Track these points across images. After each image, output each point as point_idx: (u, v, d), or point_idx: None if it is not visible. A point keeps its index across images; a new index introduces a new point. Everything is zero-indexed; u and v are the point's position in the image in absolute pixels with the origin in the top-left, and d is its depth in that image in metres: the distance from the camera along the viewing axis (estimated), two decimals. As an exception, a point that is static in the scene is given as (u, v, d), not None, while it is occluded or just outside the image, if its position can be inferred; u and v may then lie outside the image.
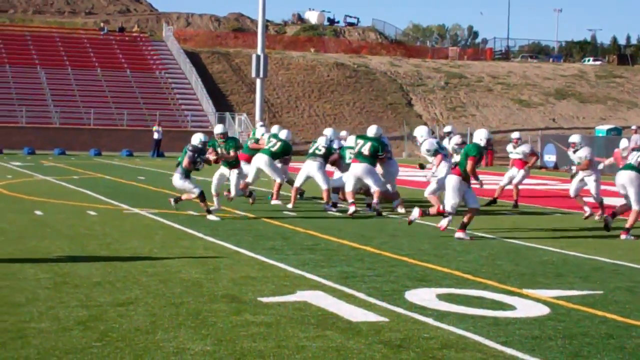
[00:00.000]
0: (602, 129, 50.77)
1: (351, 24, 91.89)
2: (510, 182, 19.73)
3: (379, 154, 16.79)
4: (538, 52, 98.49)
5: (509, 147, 20.20)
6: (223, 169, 16.73)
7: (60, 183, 23.57)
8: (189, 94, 58.32)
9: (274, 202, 18.59)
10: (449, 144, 21.64)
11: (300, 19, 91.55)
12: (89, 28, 72.95)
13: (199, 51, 65.94)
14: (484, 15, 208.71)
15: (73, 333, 7.01)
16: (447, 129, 22.06)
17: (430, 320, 7.76)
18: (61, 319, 7.48)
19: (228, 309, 8.02)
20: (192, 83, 59.22)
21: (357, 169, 16.66)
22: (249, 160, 18.73)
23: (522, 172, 19.60)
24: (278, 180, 18.56)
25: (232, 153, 16.45)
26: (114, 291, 8.70)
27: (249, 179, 18.38)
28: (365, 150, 16.65)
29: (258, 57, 51.22)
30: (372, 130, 17.17)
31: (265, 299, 8.49)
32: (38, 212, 15.92)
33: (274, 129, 19.76)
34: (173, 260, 10.76)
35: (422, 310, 8.18)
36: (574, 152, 17.37)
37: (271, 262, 10.82)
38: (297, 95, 62.29)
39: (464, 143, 21.89)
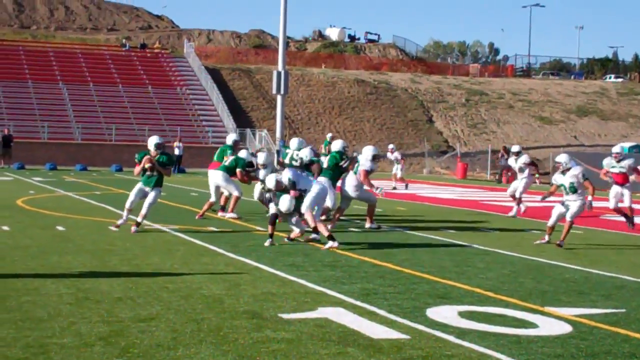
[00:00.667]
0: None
1: (372, 41, 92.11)
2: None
3: (339, 163, 16.72)
4: (559, 69, 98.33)
5: (609, 161, 18.92)
6: (143, 185, 16.28)
7: (82, 199, 23.68)
8: (209, 110, 58.55)
9: (229, 215, 18.27)
10: (516, 163, 21.88)
11: (321, 35, 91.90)
12: (110, 44, 73.55)
13: (220, 67, 66.22)
14: (505, 32, 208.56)
15: (95, 349, 7.03)
16: (515, 148, 22.50)
17: (451, 338, 7.73)
18: (83, 334, 7.50)
19: (249, 325, 8.01)
20: (213, 99, 59.45)
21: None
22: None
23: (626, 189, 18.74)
24: (235, 194, 18.24)
25: (168, 171, 16.28)
26: (135, 307, 8.71)
27: (212, 198, 18.34)
28: (326, 163, 16.62)
29: (279, 73, 51.30)
30: (337, 145, 17.19)
31: (286, 316, 8.48)
32: (60, 228, 15.99)
33: (242, 153, 18.69)
34: (194, 276, 10.77)
35: (444, 327, 8.15)
36: (562, 173, 15.54)
37: (292, 278, 10.81)
38: (317, 112, 62.39)
39: (532, 163, 22.15)
